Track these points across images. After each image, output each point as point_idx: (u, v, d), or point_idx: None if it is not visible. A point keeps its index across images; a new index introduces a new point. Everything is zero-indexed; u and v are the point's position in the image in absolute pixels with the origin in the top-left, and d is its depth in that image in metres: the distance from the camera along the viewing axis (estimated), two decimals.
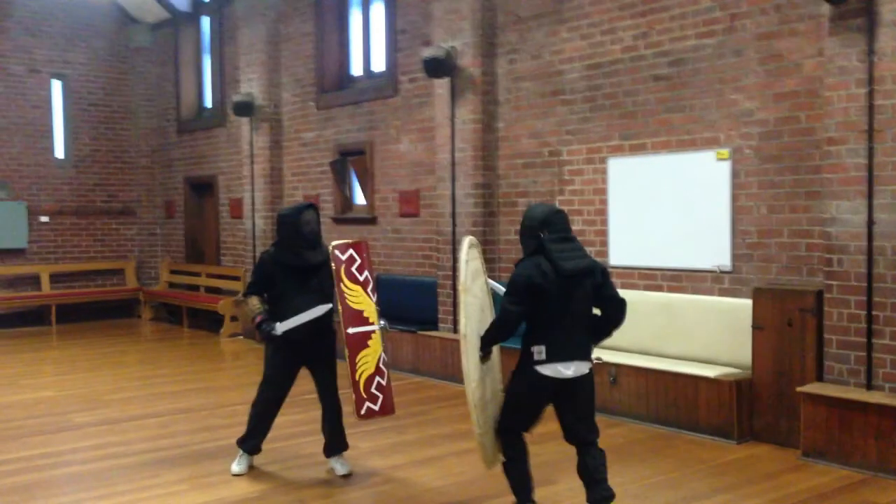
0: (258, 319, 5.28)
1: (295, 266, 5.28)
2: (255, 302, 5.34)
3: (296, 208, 5.48)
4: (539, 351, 4.13)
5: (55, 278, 13.49)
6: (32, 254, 13.39)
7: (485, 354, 4.32)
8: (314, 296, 5.24)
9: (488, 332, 4.30)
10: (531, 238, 4.24)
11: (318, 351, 5.39)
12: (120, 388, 8.37)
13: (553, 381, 4.16)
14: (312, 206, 5.50)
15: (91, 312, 13.49)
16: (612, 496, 4.28)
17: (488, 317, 4.56)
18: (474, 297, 4.39)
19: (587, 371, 4.24)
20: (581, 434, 4.31)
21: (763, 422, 6.06)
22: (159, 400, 7.81)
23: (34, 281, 13.34)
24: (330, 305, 5.27)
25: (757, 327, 6.06)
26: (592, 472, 4.26)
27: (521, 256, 4.34)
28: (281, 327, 5.20)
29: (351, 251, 5.25)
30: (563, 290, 4.12)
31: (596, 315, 4.36)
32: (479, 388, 4.24)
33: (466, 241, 4.45)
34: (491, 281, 4.83)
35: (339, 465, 5.45)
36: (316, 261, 5.31)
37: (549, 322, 4.14)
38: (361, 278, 5.24)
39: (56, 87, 13.59)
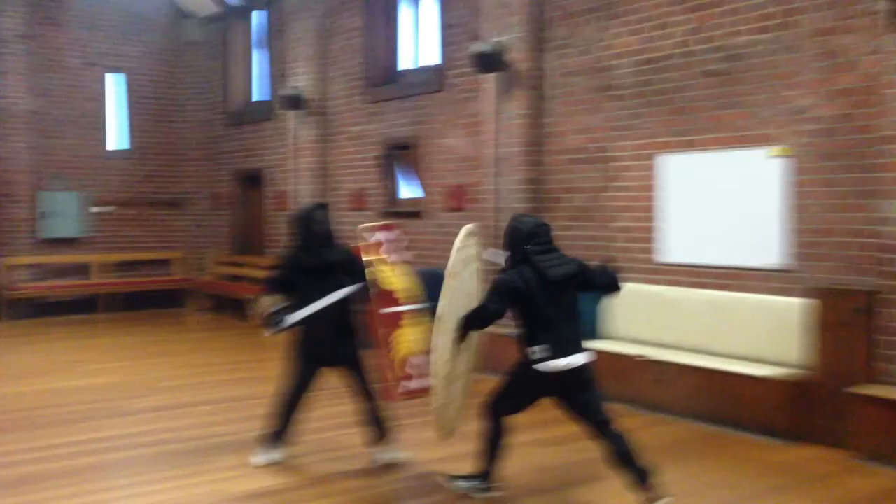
0: (269, 312, 5.33)
1: (311, 265, 5.31)
2: (266, 300, 5.43)
3: (307, 208, 5.57)
4: (535, 352, 4.46)
5: (107, 268, 13.82)
6: (86, 243, 13.73)
7: (460, 337, 4.64)
8: (333, 284, 5.26)
9: (465, 318, 4.61)
10: (517, 249, 4.57)
11: (342, 352, 5.41)
12: (170, 376, 8.57)
13: (552, 376, 4.46)
14: (323, 206, 5.58)
15: (140, 301, 13.79)
16: (652, 470, 4.43)
17: (473, 303, 4.74)
18: (461, 283, 4.69)
19: (585, 361, 4.54)
20: (591, 415, 4.53)
21: (816, 422, 5.97)
22: (208, 388, 7.98)
23: (87, 270, 13.68)
24: (341, 294, 5.24)
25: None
26: (619, 452, 4.45)
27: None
28: (290, 319, 5.23)
29: (379, 233, 5.30)
30: (551, 296, 4.49)
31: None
32: (447, 364, 4.57)
33: (465, 230, 4.79)
34: (493, 250, 4.87)
35: (385, 454, 5.52)
36: (331, 259, 5.32)
37: (542, 324, 4.48)
38: (391, 259, 5.29)
39: (110, 80, 13.88)
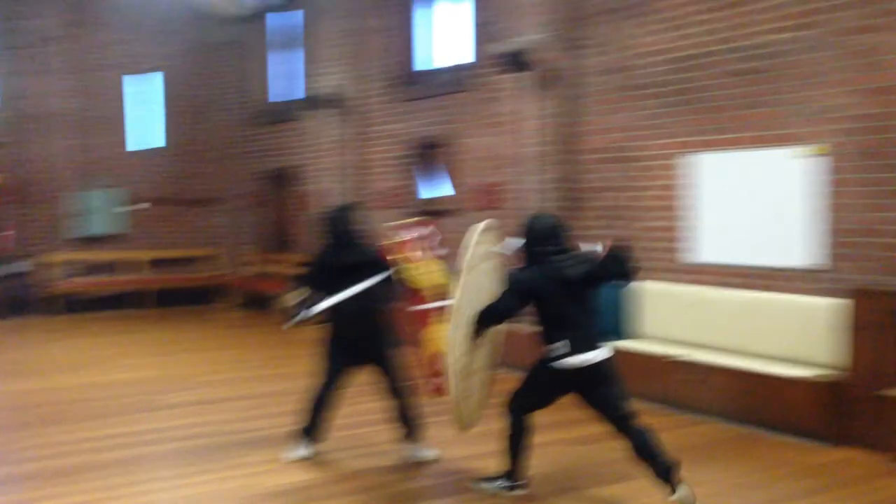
0: (290, 304, 5.38)
1: (338, 265, 5.36)
2: (290, 295, 5.49)
3: (335, 208, 5.65)
4: (556, 349, 4.51)
5: (141, 265, 14.06)
6: (120, 241, 13.98)
7: (475, 333, 4.69)
8: (362, 294, 5.30)
9: (482, 313, 4.67)
10: (534, 249, 4.62)
11: (371, 350, 5.47)
12: (209, 371, 8.73)
13: (571, 372, 4.52)
14: (351, 206, 5.65)
15: (173, 298, 14.01)
16: (675, 464, 4.46)
17: (484, 298, 4.76)
18: (477, 278, 4.76)
19: (605, 356, 4.57)
20: (611, 410, 4.57)
21: (856, 425, 5.89)
22: (247, 383, 8.11)
23: (121, 267, 13.93)
24: (361, 287, 5.25)
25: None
26: (643, 446, 4.50)
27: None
28: (309, 311, 5.25)
29: (409, 230, 5.37)
30: (568, 294, 4.54)
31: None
32: (463, 357, 4.62)
33: (481, 225, 4.86)
34: (511, 240, 4.94)
35: (422, 451, 5.59)
36: (359, 258, 5.35)
37: (560, 322, 4.53)
38: (421, 256, 5.34)
39: (149, 80, 14.09)
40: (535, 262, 4.61)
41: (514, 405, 4.81)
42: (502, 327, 5.06)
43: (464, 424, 4.93)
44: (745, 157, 6.99)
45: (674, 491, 4.42)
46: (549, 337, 4.57)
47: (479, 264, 4.84)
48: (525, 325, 5.09)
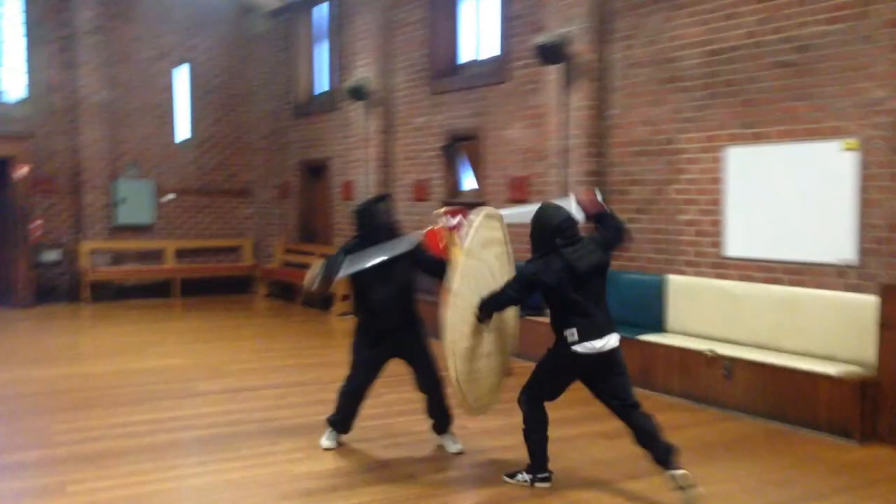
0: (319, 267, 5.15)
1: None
2: (320, 264, 5.20)
3: (369, 199, 5.63)
4: (572, 333, 4.59)
5: (177, 254, 14.23)
6: (157, 230, 14.17)
7: (482, 318, 4.82)
8: (393, 285, 5.27)
9: (485, 300, 4.80)
10: (545, 241, 4.68)
11: (406, 341, 5.44)
12: (238, 360, 8.80)
13: (588, 357, 4.60)
14: (385, 197, 5.62)
15: (209, 287, 14.19)
16: (675, 448, 4.56)
17: (499, 281, 4.90)
18: (481, 262, 4.94)
19: (617, 344, 4.69)
20: (622, 398, 4.68)
21: (887, 423, 5.81)
22: (275, 372, 8.17)
23: (158, 256, 14.11)
24: (394, 252, 5.17)
25: None
26: (646, 432, 4.61)
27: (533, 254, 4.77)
28: (343, 271, 5.05)
29: (454, 217, 5.35)
30: (580, 284, 4.61)
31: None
32: (464, 340, 4.77)
33: (483, 212, 5.01)
34: (513, 210, 5.00)
35: (450, 443, 5.59)
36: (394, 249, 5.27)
37: (575, 309, 4.61)
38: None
39: (180, 72, 14.24)
40: (546, 252, 4.66)
41: (527, 396, 4.86)
42: (514, 314, 5.20)
43: (470, 407, 5.01)
44: (782, 150, 6.87)
45: (674, 473, 4.48)
46: (563, 324, 4.64)
47: (483, 251, 4.98)
48: (541, 317, 5.11)
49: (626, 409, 4.69)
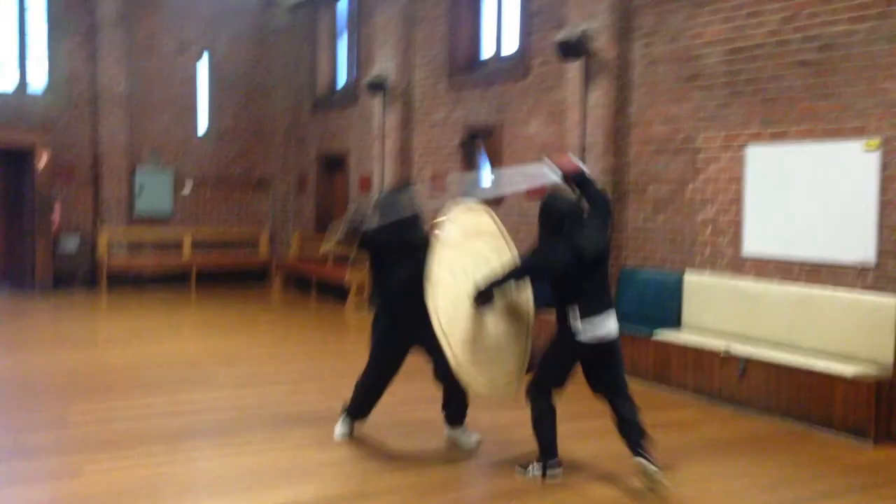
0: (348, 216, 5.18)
1: (396, 246, 5.29)
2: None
3: (392, 189, 5.71)
4: (574, 312, 4.68)
5: (195, 244, 14.34)
6: (176, 221, 14.28)
7: (482, 301, 4.91)
8: (416, 267, 5.14)
9: (483, 286, 4.89)
10: (554, 228, 4.76)
11: (425, 331, 5.22)
12: (253, 350, 8.87)
13: (590, 347, 4.70)
14: (408, 187, 5.71)
15: (226, 278, 14.29)
16: (649, 438, 4.73)
17: (493, 266, 5.05)
18: (465, 251, 5.09)
19: (617, 333, 4.81)
20: (618, 387, 4.82)
21: None
22: (289, 363, 8.22)
23: (177, 246, 14.22)
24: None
25: None
26: (628, 422, 4.75)
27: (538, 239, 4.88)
28: (355, 229, 5.14)
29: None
30: (587, 269, 4.71)
31: None
32: (458, 324, 4.84)
33: (462, 206, 5.21)
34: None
35: (463, 438, 5.57)
36: (417, 239, 5.28)
37: (581, 294, 4.71)
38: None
39: (201, 64, 14.33)
40: (552, 239, 4.75)
41: (534, 387, 4.92)
42: (528, 297, 5.29)
43: (476, 391, 5.03)
44: (804, 149, 6.83)
45: (647, 459, 4.61)
46: (570, 309, 4.71)
47: (465, 241, 5.14)
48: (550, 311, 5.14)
49: (619, 398, 4.81)
